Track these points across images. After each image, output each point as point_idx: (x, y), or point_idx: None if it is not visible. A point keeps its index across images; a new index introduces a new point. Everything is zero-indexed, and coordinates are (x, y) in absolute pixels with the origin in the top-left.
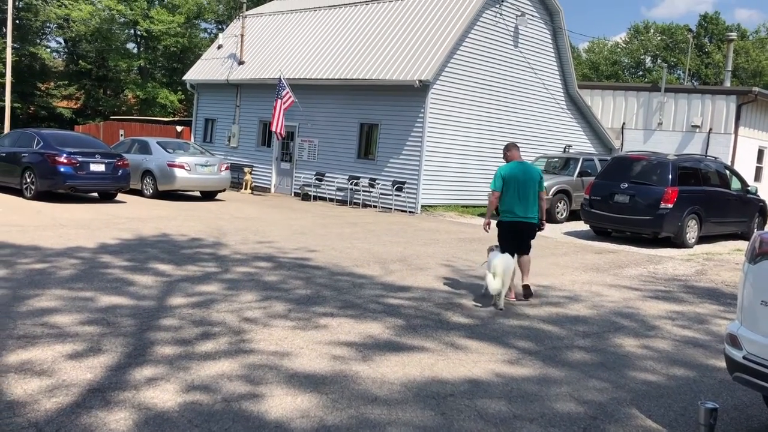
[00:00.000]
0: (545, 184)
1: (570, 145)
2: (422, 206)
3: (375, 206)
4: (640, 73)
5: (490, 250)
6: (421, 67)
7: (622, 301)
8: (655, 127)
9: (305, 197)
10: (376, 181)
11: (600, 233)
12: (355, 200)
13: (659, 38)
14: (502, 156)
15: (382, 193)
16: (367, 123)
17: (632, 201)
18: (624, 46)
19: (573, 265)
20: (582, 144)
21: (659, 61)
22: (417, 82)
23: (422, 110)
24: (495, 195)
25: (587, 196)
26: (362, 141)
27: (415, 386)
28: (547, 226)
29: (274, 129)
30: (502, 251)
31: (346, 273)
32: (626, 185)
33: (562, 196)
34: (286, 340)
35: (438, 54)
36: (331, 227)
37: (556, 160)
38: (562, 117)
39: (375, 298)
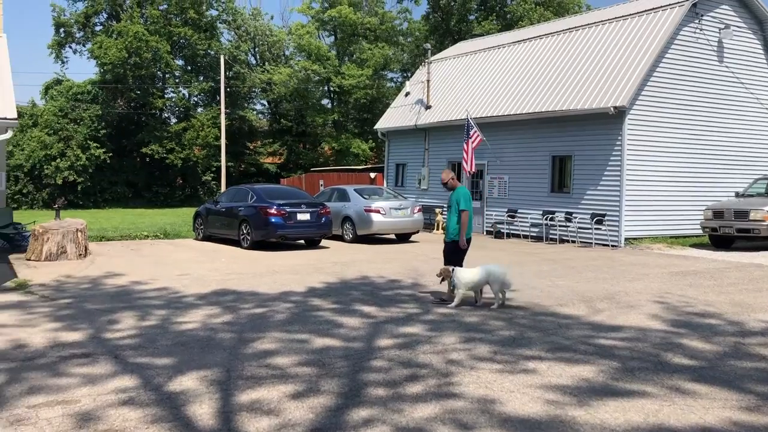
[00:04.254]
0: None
1: None
2: (626, 239)
3: (573, 241)
4: None
5: (446, 272)
6: (615, 94)
7: None
8: None
9: (498, 235)
10: (573, 215)
11: None
12: (551, 236)
13: None
14: (443, 183)
15: (580, 227)
16: (559, 155)
17: None
18: None
19: None
20: None
21: None
22: (611, 109)
23: (619, 137)
24: (467, 214)
25: None
26: (555, 174)
27: None
28: None
29: (466, 168)
30: (458, 265)
31: (549, 313)
32: None
33: None
34: (495, 383)
35: (633, 78)
36: (528, 265)
37: None
38: None
39: (584, 339)
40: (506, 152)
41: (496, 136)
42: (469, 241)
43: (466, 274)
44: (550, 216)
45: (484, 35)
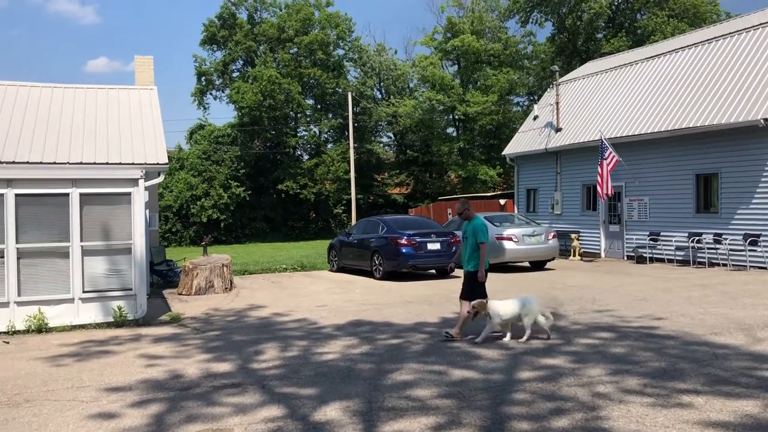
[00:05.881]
0: None
1: None
2: None
3: (724, 264)
4: None
5: (482, 305)
6: (765, 105)
7: None
8: None
9: (640, 260)
10: (723, 236)
11: None
12: (698, 259)
13: None
14: (458, 214)
15: (731, 249)
16: (704, 173)
17: None
18: None
19: None
20: None
21: None
22: (761, 121)
23: None
24: (485, 246)
25: None
26: (700, 193)
27: None
28: None
29: (601, 191)
30: (482, 297)
31: (703, 342)
32: None
33: None
34: (647, 418)
35: None
36: (676, 291)
37: None
38: None
39: (745, 370)
40: (645, 172)
41: (633, 156)
42: (486, 272)
43: (501, 306)
44: (697, 238)
45: (613, 53)
